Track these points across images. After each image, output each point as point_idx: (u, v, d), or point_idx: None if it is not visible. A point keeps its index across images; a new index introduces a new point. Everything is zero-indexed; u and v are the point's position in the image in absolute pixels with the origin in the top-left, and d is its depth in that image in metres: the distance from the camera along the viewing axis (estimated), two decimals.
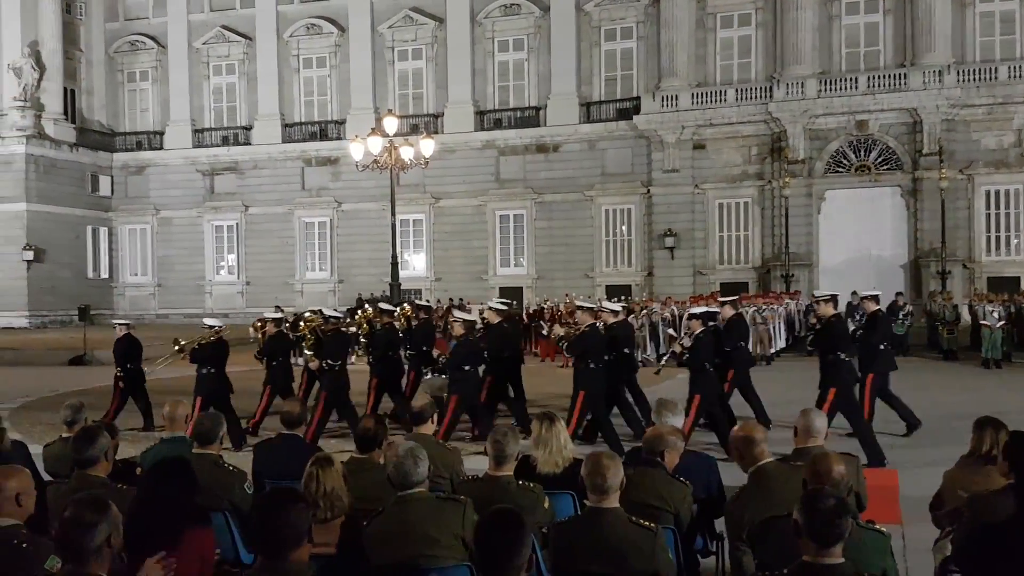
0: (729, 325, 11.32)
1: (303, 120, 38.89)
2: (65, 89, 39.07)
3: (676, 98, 33.57)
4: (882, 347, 10.86)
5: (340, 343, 11.52)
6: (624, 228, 35.42)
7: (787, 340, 23.95)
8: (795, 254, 32.03)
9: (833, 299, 10.54)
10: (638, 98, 34.57)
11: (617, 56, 35.49)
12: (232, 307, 36.56)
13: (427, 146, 22.76)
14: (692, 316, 10.80)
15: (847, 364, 10.02)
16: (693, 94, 33.53)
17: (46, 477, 5.82)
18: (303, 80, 38.96)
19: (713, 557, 5.36)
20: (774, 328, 22.59)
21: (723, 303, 12.08)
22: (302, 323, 12.29)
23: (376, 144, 22.00)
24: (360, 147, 22.50)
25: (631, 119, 34.28)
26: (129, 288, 40.19)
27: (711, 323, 10.79)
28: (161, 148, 40.22)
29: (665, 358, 11.21)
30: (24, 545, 3.71)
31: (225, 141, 39.61)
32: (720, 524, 5.39)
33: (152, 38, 40.33)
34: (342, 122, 37.67)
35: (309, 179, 38.44)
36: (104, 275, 40.12)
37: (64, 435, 6.30)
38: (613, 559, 3.98)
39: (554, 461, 5.32)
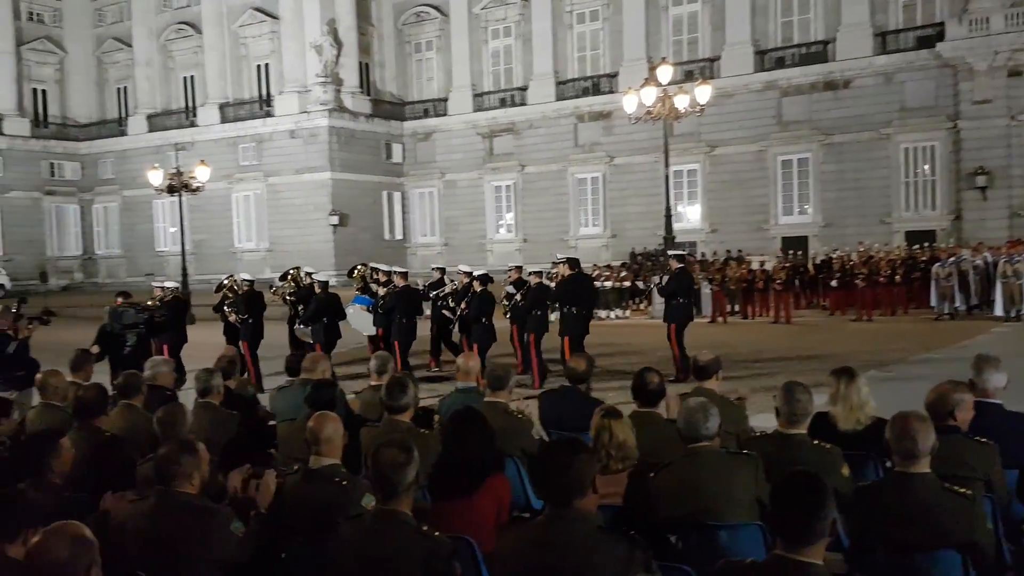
0: (560, 283, 13.04)
1: (576, 76, 39.19)
2: (360, 63, 42.13)
3: (987, 20, 29.91)
4: (679, 301, 12.93)
5: (254, 301, 13.82)
6: (927, 168, 32.26)
7: None
8: None
9: (569, 261, 12.60)
10: (942, 23, 31.16)
11: None
12: (511, 264, 37.71)
13: (703, 92, 21.99)
14: (475, 278, 13.37)
15: (579, 316, 12.32)
16: (1007, 15, 29.67)
17: None
18: (576, 36, 39.24)
19: None
20: None
21: (560, 262, 13.60)
22: (223, 287, 14.34)
23: (649, 95, 21.65)
24: (633, 99, 22.25)
25: (934, 47, 30.98)
26: (420, 248, 42.94)
27: (489, 283, 13.53)
28: (445, 114, 42.33)
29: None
30: (344, 483, 4.05)
31: (502, 103, 40.95)
32: None
33: (435, 8, 42.36)
34: (614, 75, 37.52)
35: (581, 135, 38.80)
36: (398, 236, 43.23)
37: (373, 383, 6.86)
38: (924, 527, 3.67)
39: (854, 418, 5.07)
